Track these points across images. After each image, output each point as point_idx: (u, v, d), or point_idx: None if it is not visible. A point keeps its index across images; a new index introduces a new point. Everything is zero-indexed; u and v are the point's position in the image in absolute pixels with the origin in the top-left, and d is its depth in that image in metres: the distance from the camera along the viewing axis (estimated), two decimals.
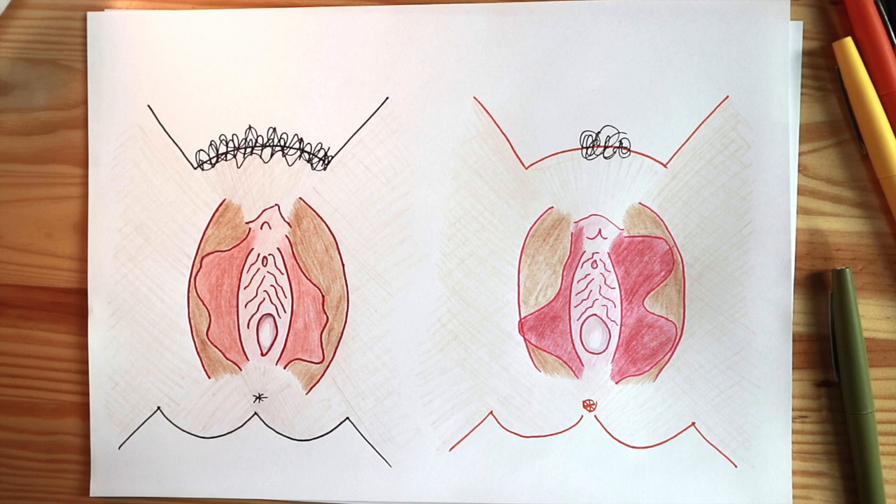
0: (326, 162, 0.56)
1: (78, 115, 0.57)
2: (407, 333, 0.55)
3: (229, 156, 0.56)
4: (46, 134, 0.57)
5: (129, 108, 0.56)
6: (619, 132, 0.55)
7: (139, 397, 0.56)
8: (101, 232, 0.56)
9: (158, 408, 0.56)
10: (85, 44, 0.56)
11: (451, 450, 0.56)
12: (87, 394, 0.57)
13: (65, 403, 0.57)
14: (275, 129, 0.56)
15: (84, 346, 0.57)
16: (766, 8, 0.54)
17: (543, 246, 0.55)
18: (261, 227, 0.56)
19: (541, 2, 0.55)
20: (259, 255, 0.56)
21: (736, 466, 0.54)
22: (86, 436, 0.57)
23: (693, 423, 0.55)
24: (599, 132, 0.55)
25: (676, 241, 0.55)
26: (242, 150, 0.56)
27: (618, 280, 0.55)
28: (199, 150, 0.56)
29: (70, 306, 0.57)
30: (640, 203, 0.55)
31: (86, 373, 0.57)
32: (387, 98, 0.55)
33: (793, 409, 0.55)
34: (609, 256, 0.55)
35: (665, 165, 0.55)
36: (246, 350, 0.56)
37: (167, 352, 0.56)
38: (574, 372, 0.55)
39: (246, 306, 0.56)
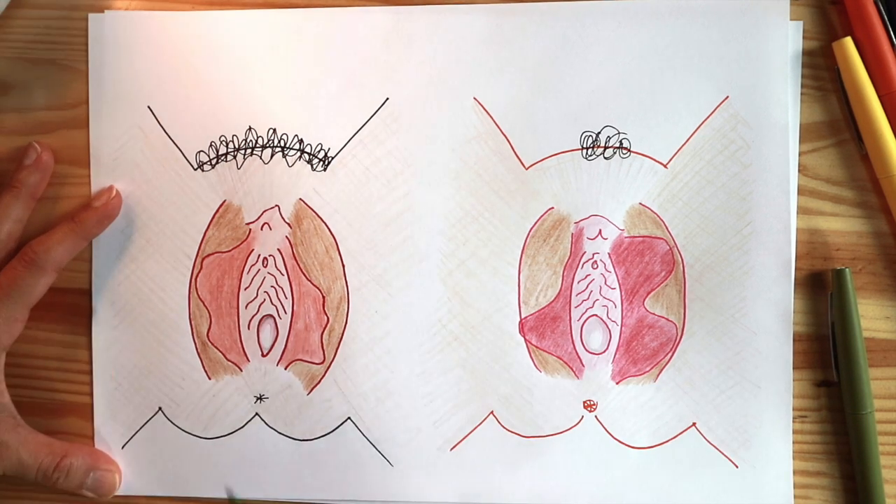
0: (326, 163, 0.56)
1: (78, 116, 0.57)
2: (407, 334, 0.56)
3: (229, 157, 0.56)
4: (46, 134, 0.57)
5: (129, 109, 0.56)
6: (619, 132, 0.55)
7: (141, 398, 0.56)
8: (103, 232, 0.56)
9: (160, 408, 0.56)
10: (85, 44, 0.56)
11: (452, 449, 0.56)
12: (88, 394, 0.57)
13: (65, 403, 0.57)
14: (275, 130, 0.56)
15: (84, 346, 0.57)
16: (766, 8, 0.54)
17: (544, 246, 0.55)
18: (261, 228, 0.56)
19: (541, 2, 0.55)
20: (259, 256, 0.56)
21: (737, 467, 0.55)
22: (88, 436, 0.57)
23: (694, 424, 0.55)
24: (600, 132, 0.55)
25: (677, 241, 0.55)
26: (242, 151, 0.56)
27: (618, 280, 0.55)
28: (199, 151, 0.56)
29: (71, 306, 0.57)
30: (640, 203, 0.55)
31: (87, 373, 0.57)
32: (387, 99, 0.55)
33: (793, 409, 0.55)
34: (609, 257, 0.55)
35: (665, 166, 0.55)
36: (246, 351, 0.56)
37: (168, 353, 0.56)
38: (574, 372, 0.55)
39: (246, 307, 0.56)
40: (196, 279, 0.56)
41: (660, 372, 0.55)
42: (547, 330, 0.55)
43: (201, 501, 0.57)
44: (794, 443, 0.55)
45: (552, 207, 0.55)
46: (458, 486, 0.56)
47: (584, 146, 0.55)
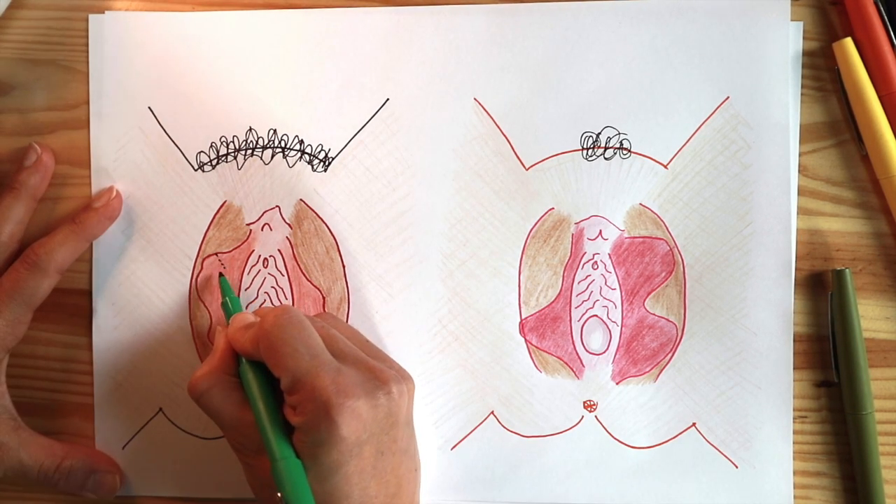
0: (327, 163, 0.56)
1: (79, 116, 0.57)
2: (408, 335, 0.56)
3: (230, 157, 0.56)
4: (47, 135, 0.57)
5: (130, 110, 0.56)
6: (619, 133, 0.55)
7: (141, 398, 0.56)
8: (103, 233, 0.56)
9: (160, 409, 0.57)
10: (86, 45, 0.56)
11: (452, 449, 0.56)
12: (89, 394, 0.57)
13: (66, 404, 0.57)
14: (275, 131, 0.56)
15: (85, 347, 0.57)
16: (767, 8, 0.54)
17: (544, 247, 0.55)
18: (262, 229, 0.56)
19: (541, 3, 0.55)
20: (260, 256, 0.56)
21: (737, 467, 0.55)
22: (88, 436, 0.57)
23: (694, 424, 0.55)
24: (600, 133, 0.55)
25: (677, 241, 0.55)
26: (243, 152, 0.56)
27: (618, 281, 0.55)
28: (199, 152, 0.56)
29: (71, 307, 0.57)
30: (640, 204, 0.55)
31: (88, 373, 0.57)
32: (387, 99, 0.55)
33: (793, 410, 0.55)
34: (610, 257, 0.55)
35: (665, 166, 0.55)
36: None
37: (169, 353, 0.56)
38: (575, 373, 0.56)
39: (247, 308, 0.56)
40: (196, 280, 0.56)
41: (660, 372, 0.55)
42: (547, 330, 0.56)
43: (201, 501, 0.57)
44: (794, 443, 0.55)
45: (552, 208, 0.55)
46: (459, 485, 0.56)
47: (585, 147, 0.55)
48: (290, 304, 0.56)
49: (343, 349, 0.49)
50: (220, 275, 0.55)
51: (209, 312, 0.56)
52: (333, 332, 0.50)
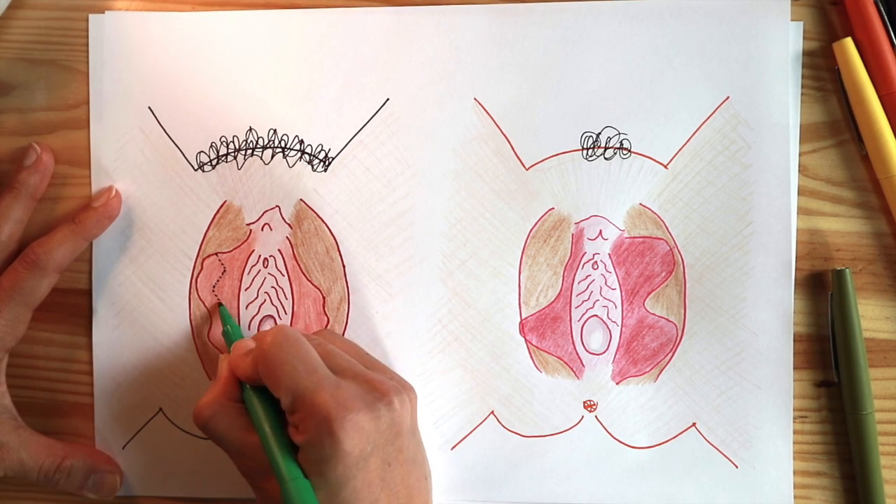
0: (327, 163, 0.56)
1: (79, 116, 0.57)
2: (408, 335, 0.56)
3: (230, 157, 0.56)
4: (47, 135, 0.57)
5: (130, 110, 0.56)
6: (619, 133, 0.55)
7: (141, 398, 0.56)
8: (103, 233, 0.56)
9: (160, 409, 0.57)
10: (86, 45, 0.56)
11: (452, 449, 0.56)
12: (88, 394, 0.57)
13: (66, 404, 0.57)
14: (275, 131, 0.56)
15: (85, 347, 0.57)
16: (767, 8, 0.54)
17: (544, 247, 0.55)
18: (262, 229, 0.56)
19: (541, 3, 0.55)
20: (260, 256, 0.56)
21: (737, 467, 0.55)
22: (88, 436, 0.57)
23: (694, 424, 0.55)
24: (600, 133, 0.55)
25: (677, 241, 0.55)
26: (243, 152, 0.56)
27: (618, 281, 0.55)
28: (199, 152, 0.56)
29: (71, 307, 0.57)
30: (640, 204, 0.55)
31: (87, 373, 0.57)
32: (387, 99, 0.55)
33: (793, 410, 0.55)
34: (610, 257, 0.55)
35: (665, 166, 0.55)
36: None
37: (169, 353, 0.56)
38: (575, 373, 0.56)
39: (247, 308, 0.56)
40: (197, 279, 0.56)
41: (660, 372, 0.55)
42: (547, 330, 0.56)
43: (201, 501, 0.57)
44: (794, 443, 0.55)
45: (552, 208, 0.55)
46: (458, 485, 0.56)
47: (585, 147, 0.55)
48: (291, 304, 0.56)
49: (341, 364, 0.49)
50: (219, 304, 0.56)
51: (209, 312, 0.56)
52: (331, 347, 0.50)
